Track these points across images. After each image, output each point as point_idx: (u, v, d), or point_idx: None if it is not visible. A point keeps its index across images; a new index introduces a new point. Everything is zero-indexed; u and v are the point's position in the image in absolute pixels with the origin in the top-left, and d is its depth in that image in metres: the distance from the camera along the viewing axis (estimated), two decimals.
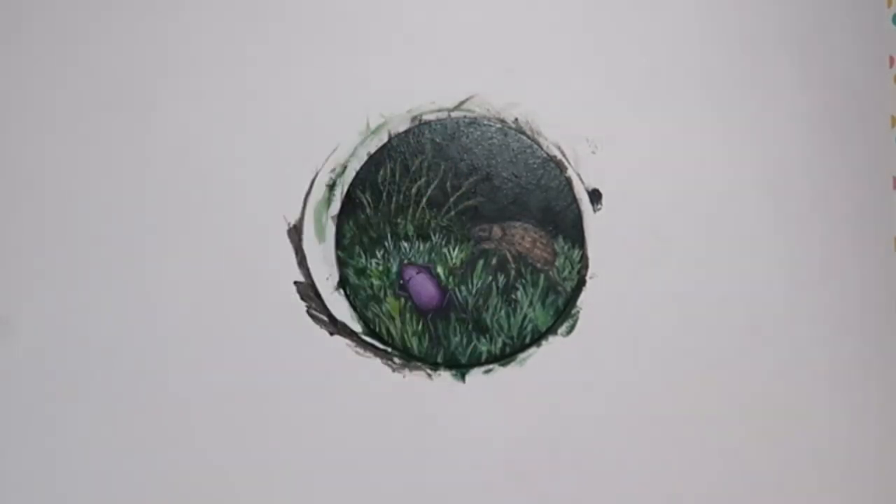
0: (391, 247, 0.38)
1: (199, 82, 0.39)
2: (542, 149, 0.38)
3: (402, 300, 0.38)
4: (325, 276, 0.38)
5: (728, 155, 0.38)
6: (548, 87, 0.39)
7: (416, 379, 0.38)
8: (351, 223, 0.38)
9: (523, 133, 0.38)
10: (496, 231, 0.38)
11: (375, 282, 0.38)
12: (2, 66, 0.39)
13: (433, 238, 0.38)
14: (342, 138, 0.38)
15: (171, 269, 0.39)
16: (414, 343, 0.38)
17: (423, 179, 0.38)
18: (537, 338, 0.38)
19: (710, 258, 0.38)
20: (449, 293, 0.38)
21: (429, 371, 0.38)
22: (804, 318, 0.38)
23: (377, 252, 0.38)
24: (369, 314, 0.38)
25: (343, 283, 0.38)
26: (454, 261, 0.38)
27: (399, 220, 0.38)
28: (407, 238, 0.38)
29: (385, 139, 0.38)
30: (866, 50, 0.39)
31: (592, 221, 0.38)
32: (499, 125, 0.38)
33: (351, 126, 0.38)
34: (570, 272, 0.38)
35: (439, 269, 0.38)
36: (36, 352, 0.39)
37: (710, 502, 0.38)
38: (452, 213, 0.38)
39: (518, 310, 0.38)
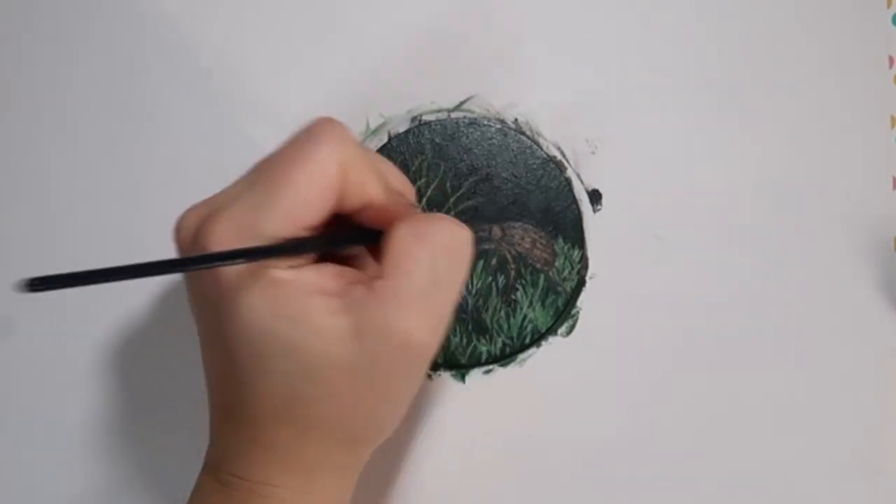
0: None
1: (199, 82, 0.39)
2: (541, 149, 0.38)
3: None
4: None
5: (728, 155, 0.38)
6: (548, 87, 0.39)
7: None
8: None
9: (523, 133, 0.38)
10: (496, 231, 0.38)
11: None
12: (1, 65, 0.40)
13: None
14: None
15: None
16: None
17: (423, 180, 0.38)
18: (537, 338, 0.38)
19: (710, 258, 0.38)
20: None
21: (428, 371, 0.38)
22: (805, 319, 0.38)
23: None
24: None
25: None
26: None
27: None
28: None
29: (385, 139, 0.38)
30: (866, 50, 0.39)
31: (592, 222, 0.38)
32: (499, 125, 0.38)
33: (351, 126, 0.38)
34: (569, 272, 0.38)
35: None
36: (35, 352, 0.39)
37: (712, 501, 0.38)
38: (452, 213, 0.38)
39: (518, 310, 0.38)
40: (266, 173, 0.28)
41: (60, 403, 0.39)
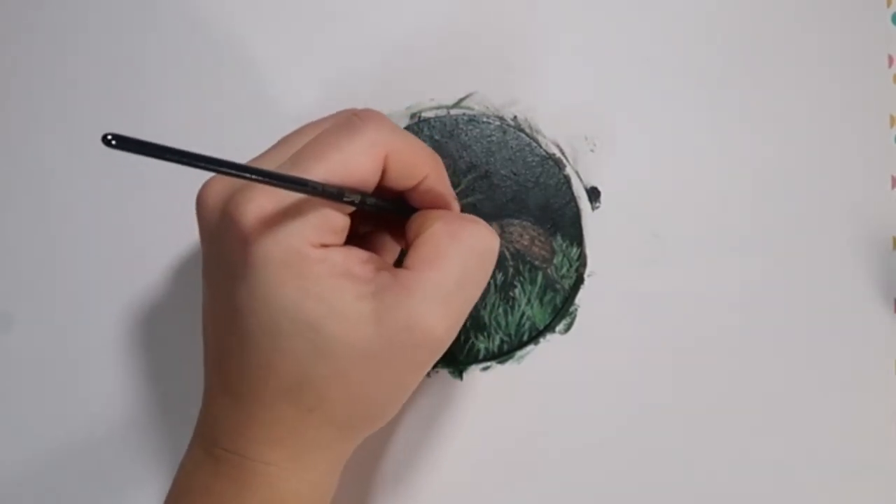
0: None
1: (198, 81, 0.39)
2: (540, 146, 0.38)
3: None
4: None
5: (727, 154, 0.38)
6: (547, 85, 0.39)
7: None
8: None
9: (522, 131, 0.38)
10: (494, 228, 0.38)
11: None
12: (1, 64, 0.40)
13: None
14: None
15: (170, 268, 0.39)
16: None
17: None
18: (535, 335, 0.38)
19: (709, 257, 0.38)
20: None
21: None
22: (803, 318, 0.38)
23: None
24: None
25: None
26: None
27: None
28: None
29: None
30: (866, 50, 0.39)
31: (591, 219, 0.38)
32: (498, 123, 0.38)
33: None
34: (568, 270, 0.38)
35: None
36: (34, 350, 0.39)
37: (708, 500, 0.38)
38: None
39: (516, 307, 0.38)
40: (309, 149, 0.28)
41: (59, 401, 0.39)
